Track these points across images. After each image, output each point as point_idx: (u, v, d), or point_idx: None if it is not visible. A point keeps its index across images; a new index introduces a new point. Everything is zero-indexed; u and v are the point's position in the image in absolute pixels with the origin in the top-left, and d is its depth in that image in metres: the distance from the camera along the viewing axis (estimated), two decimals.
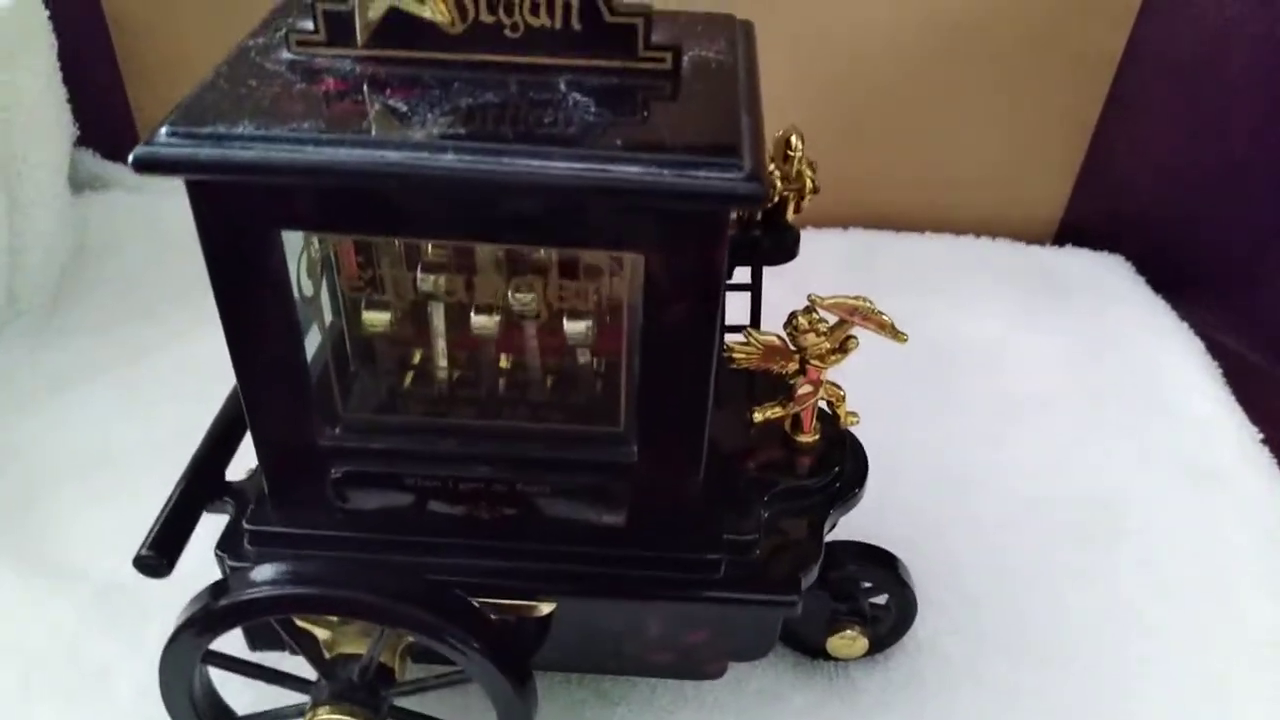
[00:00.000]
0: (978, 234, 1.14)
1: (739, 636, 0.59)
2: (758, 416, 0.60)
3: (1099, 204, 1.12)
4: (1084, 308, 1.05)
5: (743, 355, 0.58)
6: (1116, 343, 1.00)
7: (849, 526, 0.67)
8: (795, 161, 0.57)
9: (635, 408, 0.51)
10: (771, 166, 0.57)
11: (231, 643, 0.56)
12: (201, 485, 0.58)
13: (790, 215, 0.60)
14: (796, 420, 0.62)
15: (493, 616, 0.56)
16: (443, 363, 0.55)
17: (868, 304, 0.57)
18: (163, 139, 0.43)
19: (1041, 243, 1.15)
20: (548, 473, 0.53)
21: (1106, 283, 1.09)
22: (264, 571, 0.53)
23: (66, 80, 0.99)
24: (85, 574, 0.74)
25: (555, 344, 0.54)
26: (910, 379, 0.93)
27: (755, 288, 0.61)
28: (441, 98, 0.45)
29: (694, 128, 0.45)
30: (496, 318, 0.52)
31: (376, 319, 0.53)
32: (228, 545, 0.57)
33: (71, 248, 1.00)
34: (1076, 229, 1.14)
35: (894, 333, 0.58)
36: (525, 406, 0.55)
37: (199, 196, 0.45)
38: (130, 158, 0.42)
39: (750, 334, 0.57)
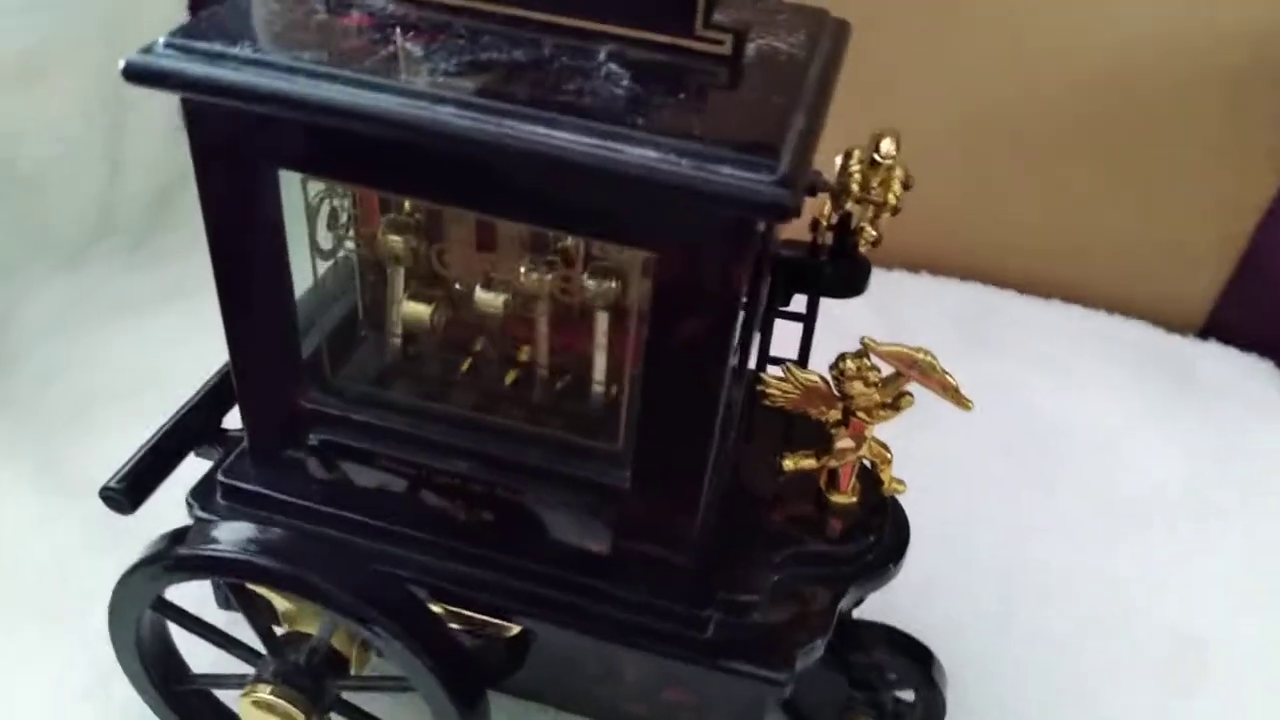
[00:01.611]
0: (1110, 310, 1.03)
1: (720, 706, 0.52)
2: (788, 464, 0.53)
3: (1254, 302, 0.99)
4: (1219, 412, 0.93)
5: (778, 393, 0.51)
6: (1249, 459, 0.88)
7: (887, 607, 0.59)
8: (883, 170, 0.49)
9: (633, 430, 0.45)
10: (854, 168, 0.49)
11: (192, 596, 0.54)
12: (193, 427, 0.56)
13: (868, 241, 0.53)
14: (834, 476, 0.55)
15: (457, 628, 0.51)
16: (442, 341, 0.50)
17: (929, 358, 0.49)
18: (159, 50, 0.40)
19: (1182, 333, 1.03)
20: (530, 480, 0.48)
21: (1249, 389, 0.96)
22: (223, 531, 0.50)
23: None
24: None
25: (563, 342, 0.49)
26: (998, 454, 0.84)
27: (809, 320, 0.54)
28: (464, 48, 0.41)
29: (735, 120, 0.39)
30: (502, 297, 0.47)
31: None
32: (200, 494, 0.54)
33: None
34: (1224, 325, 1.02)
35: (957, 398, 0.50)
36: (520, 405, 0.50)
37: (191, 120, 0.41)
38: (121, 64, 0.39)
39: (790, 370, 0.51)
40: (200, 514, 0.53)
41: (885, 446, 0.54)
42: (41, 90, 0.89)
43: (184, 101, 0.41)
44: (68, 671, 0.63)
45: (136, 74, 0.39)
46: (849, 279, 0.53)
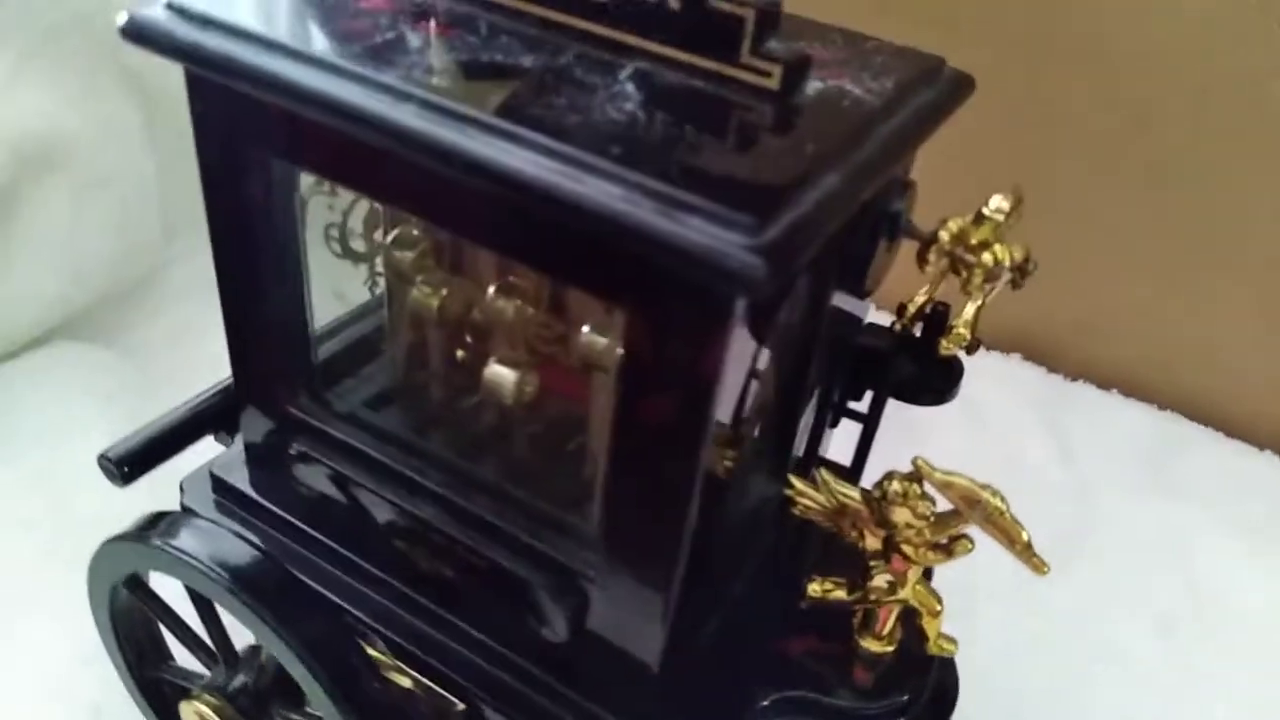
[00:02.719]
0: None
1: None
2: (813, 588, 0.44)
3: None
4: None
5: (806, 503, 0.42)
6: None
7: None
8: (988, 228, 0.40)
9: (602, 513, 0.38)
10: (945, 235, 0.40)
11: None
12: (212, 411, 0.54)
13: (959, 343, 0.43)
14: (869, 616, 0.45)
15: (413, 689, 0.46)
16: (427, 373, 0.45)
17: (996, 500, 0.39)
18: (159, 8, 0.37)
19: None
20: (493, 543, 0.42)
21: None
22: (196, 534, 0.47)
23: None
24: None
25: (551, 402, 0.43)
26: (1149, 631, 0.70)
27: (870, 420, 0.45)
28: (473, 45, 0.36)
29: (740, 167, 0.31)
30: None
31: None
32: (193, 482, 0.51)
33: None
34: None
35: (1029, 555, 0.40)
36: (500, 459, 0.44)
37: (189, 87, 0.39)
38: (120, 20, 0.37)
39: (825, 479, 0.42)
40: (187, 503, 0.51)
41: (935, 595, 0.43)
42: None
43: (185, 73, 0.38)
44: None
45: (131, 31, 0.37)
46: (929, 381, 0.44)
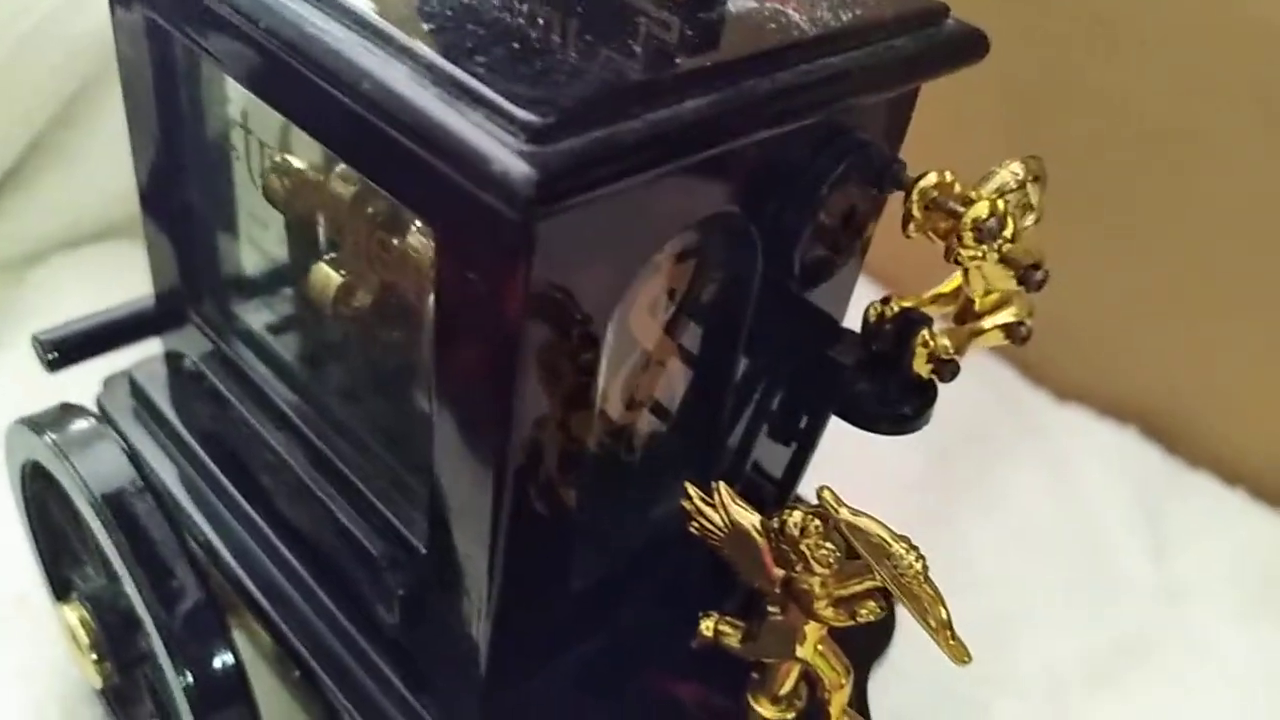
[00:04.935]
0: None
1: None
2: (704, 626, 0.37)
3: None
4: None
5: (702, 521, 0.35)
6: None
7: None
8: (988, 200, 0.31)
9: (429, 475, 0.32)
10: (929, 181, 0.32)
11: None
12: (157, 312, 0.51)
13: (941, 352, 0.35)
14: (770, 674, 0.37)
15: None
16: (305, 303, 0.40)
17: (911, 558, 0.31)
18: None
19: None
20: (344, 498, 0.37)
21: None
22: (79, 435, 0.44)
23: None
24: None
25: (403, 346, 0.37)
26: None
27: (803, 441, 0.37)
28: None
29: (576, 69, 0.25)
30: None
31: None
32: (112, 383, 0.49)
33: None
34: None
35: (946, 636, 0.31)
36: (361, 407, 0.39)
37: None
38: None
39: (723, 494, 0.34)
40: (102, 401, 0.48)
41: (842, 663, 0.35)
42: None
43: None
44: None
45: None
46: (887, 404, 0.36)
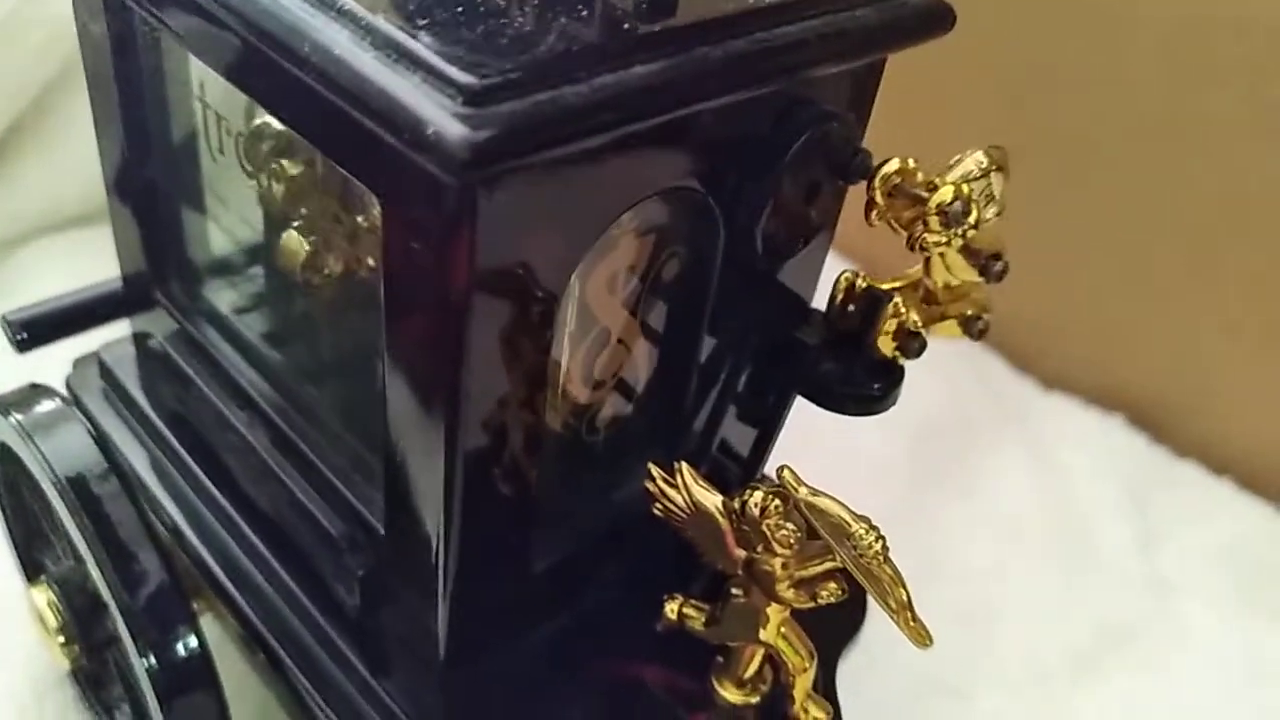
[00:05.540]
0: None
1: None
2: (669, 608, 0.37)
3: None
4: None
5: (665, 503, 0.35)
6: None
7: None
8: (954, 185, 0.31)
9: (382, 453, 0.32)
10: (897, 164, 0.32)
11: None
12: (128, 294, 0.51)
13: (911, 325, 0.34)
14: (731, 656, 0.37)
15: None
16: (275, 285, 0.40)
17: (871, 540, 0.31)
18: None
19: None
20: (301, 474, 0.37)
21: None
22: (43, 416, 0.43)
23: None
24: None
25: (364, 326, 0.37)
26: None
27: (767, 422, 0.37)
28: None
29: (523, 35, 0.25)
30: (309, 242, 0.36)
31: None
32: (82, 363, 0.49)
33: None
34: None
35: (906, 619, 0.31)
36: (323, 387, 0.39)
37: None
38: None
39: (685, 475, 0.34)
40: (71, 382, 0.48)
41: (806, 646, 0.35)
42: None
43: None
44: None
45: None
46: (853, 384, 0.35)
